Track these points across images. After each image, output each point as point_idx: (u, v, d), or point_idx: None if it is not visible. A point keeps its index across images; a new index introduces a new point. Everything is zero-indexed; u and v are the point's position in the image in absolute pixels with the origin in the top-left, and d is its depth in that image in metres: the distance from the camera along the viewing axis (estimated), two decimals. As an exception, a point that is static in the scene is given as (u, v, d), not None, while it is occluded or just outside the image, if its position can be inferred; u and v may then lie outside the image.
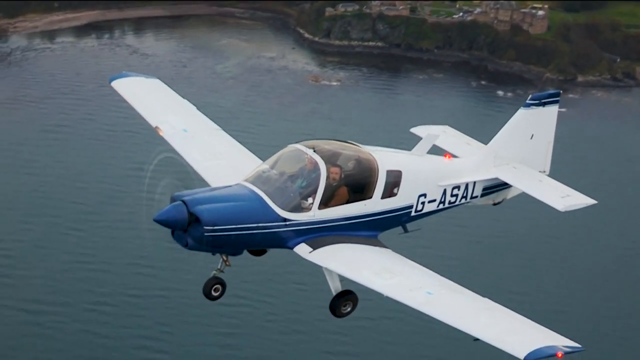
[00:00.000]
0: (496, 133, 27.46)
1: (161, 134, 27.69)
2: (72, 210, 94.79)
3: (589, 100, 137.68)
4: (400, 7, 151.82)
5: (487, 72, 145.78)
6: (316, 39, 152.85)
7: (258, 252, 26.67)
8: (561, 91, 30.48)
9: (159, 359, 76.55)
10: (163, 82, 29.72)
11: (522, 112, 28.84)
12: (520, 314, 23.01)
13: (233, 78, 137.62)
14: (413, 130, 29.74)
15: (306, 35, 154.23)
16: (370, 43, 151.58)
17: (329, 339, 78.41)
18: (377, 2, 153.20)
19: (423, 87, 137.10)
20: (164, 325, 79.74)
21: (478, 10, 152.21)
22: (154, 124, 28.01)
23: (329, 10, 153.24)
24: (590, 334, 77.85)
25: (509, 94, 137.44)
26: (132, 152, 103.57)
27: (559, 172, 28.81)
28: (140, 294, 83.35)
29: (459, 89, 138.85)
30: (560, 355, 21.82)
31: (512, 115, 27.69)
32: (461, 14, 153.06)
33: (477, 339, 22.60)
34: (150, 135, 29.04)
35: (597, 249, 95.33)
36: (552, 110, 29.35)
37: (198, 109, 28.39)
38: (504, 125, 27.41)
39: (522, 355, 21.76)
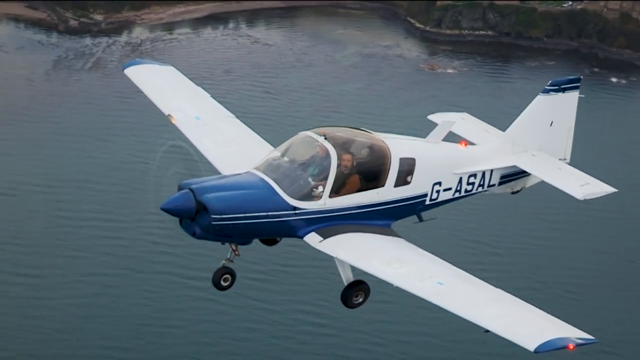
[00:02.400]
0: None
1: (173, 121, 27.07)
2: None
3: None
4: None
5: (598, 60, 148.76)
6: (427, 28, 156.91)
7: (270, 241, 26.08)
8: (582, 77, 29.43)
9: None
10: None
11: (540, 98, 27.95)
12: (535, 305, 22.36)
13: (352, 66, 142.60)
14: (430, 117, 28.98)
15: (417, 24, 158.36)
16: (481, 32, 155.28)
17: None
18: None
19: (536, 74, 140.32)
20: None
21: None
22: (166, 112, 27.48)
23: (440, 0, 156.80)
24: (605, 326, 78.16)
25: (623, 81, 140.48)
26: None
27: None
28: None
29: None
30: (571, 347, 21.01)
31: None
32: (570, 2, 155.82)
33: (487, 330, 21.76)
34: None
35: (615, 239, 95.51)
36: (573, 97, 28.29)
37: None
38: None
39: (532, 347, 20.98)
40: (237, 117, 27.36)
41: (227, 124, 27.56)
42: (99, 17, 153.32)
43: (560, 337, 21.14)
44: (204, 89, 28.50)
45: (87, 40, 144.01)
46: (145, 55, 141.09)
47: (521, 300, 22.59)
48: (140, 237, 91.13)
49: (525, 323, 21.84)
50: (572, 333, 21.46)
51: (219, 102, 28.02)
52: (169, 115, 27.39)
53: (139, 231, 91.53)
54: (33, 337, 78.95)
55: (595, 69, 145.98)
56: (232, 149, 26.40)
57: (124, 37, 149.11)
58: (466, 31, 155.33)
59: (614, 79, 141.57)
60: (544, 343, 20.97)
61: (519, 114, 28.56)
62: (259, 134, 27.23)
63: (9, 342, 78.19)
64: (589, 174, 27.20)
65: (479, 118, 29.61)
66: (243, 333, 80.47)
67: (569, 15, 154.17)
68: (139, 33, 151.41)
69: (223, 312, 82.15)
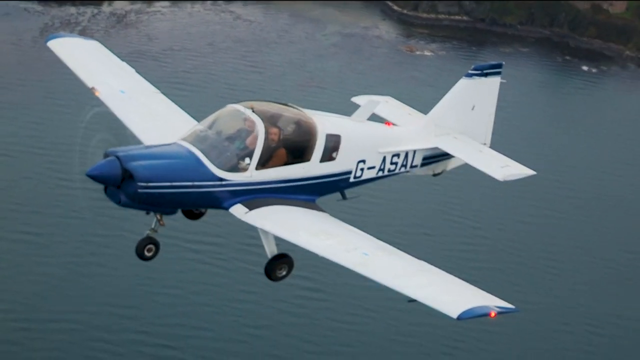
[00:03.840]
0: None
1: (97, 94, 26.93)
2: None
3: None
4: None
5: (570, 48, 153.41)
6: (404, 11, 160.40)
7: (193, 215, 26.27)
8: (504, 62, 30.10)
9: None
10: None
11: (463, 82, 28.42)
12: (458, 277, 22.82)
13: (333, 44, 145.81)
14: (354, 99, 29.36)
15: (395, 7, 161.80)
16: (457, 17, 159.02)
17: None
18: None
19: (511, 60, 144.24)
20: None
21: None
22: (90, 85, 27.36)
23: None
24: (527, 297, 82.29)
25: (594, 70, 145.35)
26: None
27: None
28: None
29: (545, 63, 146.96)
30: (493, 314, 21.44)
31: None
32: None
33: (411, 300, 22.09)
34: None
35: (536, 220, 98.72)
36: (494, 82, 28.82)
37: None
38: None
39: (455, 315, 21.33)
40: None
41: (153, 99, 27.55)
42: None
43: (481, 306, 21.53)
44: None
45: (72, 10, 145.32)
46: (129, 26, 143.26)
47: (445, 272, 22.95)
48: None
49: (448, 292, 22.21)
50: (494, 302, 21.84)
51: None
52: (92, 88, 27.21)
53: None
54: (34, 289, 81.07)
55: (567, 57, 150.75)
56: (158, 123, 26.28)
57: (108, 8, 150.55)
58: (442, 16, 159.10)
59: (584, 67, 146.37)
60: (466, 310, 21.32)
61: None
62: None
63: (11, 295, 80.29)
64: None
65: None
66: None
67: (542, 4, 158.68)
68: (123, 5, 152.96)
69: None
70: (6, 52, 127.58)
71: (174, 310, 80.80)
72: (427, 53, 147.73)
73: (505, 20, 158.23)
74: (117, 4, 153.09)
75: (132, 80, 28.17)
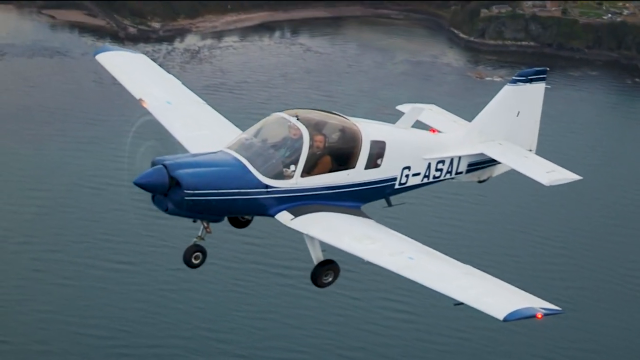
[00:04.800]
0: None
1: (145, 105, 27.04)
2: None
3: None
4: (553, 9, 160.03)
5: (638, 70, 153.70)
6: (471, 38, 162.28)
7: (240, 223, 26.26)
8: (548, 68, 29.54)
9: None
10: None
11: (508, 89, 28.19)
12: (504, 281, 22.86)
13: (403, 73, 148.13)
14: (399, 107, 29.19)
15: (461, 35, 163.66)
16: (523, 42, 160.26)
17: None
18: (529, 3, 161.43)
19: (581, 83, 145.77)
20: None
21: (627, 11, 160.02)
22: (137, 96, 27.52)
23: (484, 12, 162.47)
24: (573, 300, 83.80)
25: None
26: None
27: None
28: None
29: (615, 85, 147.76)
30: (540, 316, 21.46)
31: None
32: (609, 15, 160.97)
33: (458, 304, 22.13)
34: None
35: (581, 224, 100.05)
36: (539, 88, 28.48)
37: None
38: None
39: (501, 316, 21.42)
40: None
41: (198, 109, 27.79)
42: (156, 25, 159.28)
43: (527, 307, 21.64)
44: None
45: (148, 47, 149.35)
46: (204, 61, 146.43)
47: (489, 275, 23.01)
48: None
49: (493, 294, 22.29)
50: (538, 304, 21.93)
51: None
52: (140, 99, 27.42)
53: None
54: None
55: (637, 79, 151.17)
56: (203, 132, 26.49)
57: (181, 44, 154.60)
58: (509, 42, 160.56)
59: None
60: (512, 312, 21.44)
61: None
62: None
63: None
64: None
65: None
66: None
67: (609, 27, 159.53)
68: (196, 40, 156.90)
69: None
70: (89, 90, 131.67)
71: (269, 334, 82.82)
72: (496, 79, 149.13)
73: (572, 44, 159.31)
74: (189, 40, 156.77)
75: (178, 92, 28.40)
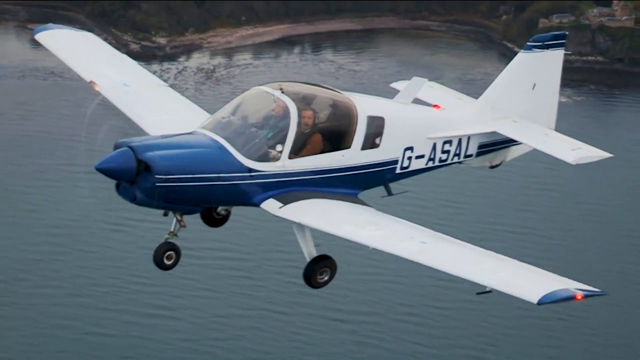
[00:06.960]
0: None
1: (97, 88, 25.62)
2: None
3: None
4: (624, 18, 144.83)
5: None
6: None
7: (215, 221, 24.67)
8: (567, 32, 27.82)
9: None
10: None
11: (522, 56, 26.34)
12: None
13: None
14: (393, 85, 27.51)
15: (516, 49, 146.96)
16: (589, 57, 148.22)
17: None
18: (595, 11, 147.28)
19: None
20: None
21: None
22: (88, 78, 25.93)
23: (543, 22, 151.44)
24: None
25: None
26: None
27: None
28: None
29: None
30: (580, 297, 20.23)
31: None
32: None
33: (481, 292, 20.82)
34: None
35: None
36: (557, 55, 26.63)
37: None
38: None
39: (535, 300, 20.27)
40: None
41: (161, 92, 26.02)
42: (162, 40, 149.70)
43: (563, 289, 20.34)
44: None
45: (154, 66, 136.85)
46: (222, 82, 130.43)
47: (512, 259, 21.65)
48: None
49: (523, 277, 20.99)
50: (574, 286, 20.57)
51: None
52: (91, 81, 25.82)
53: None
54: None
55: None
56: (168, 117, 24.79)
57: (193, 63, 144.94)
58: (573, 57, 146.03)
59: None
60: (548, 294, 20.10)
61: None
62: None
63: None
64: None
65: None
66: None
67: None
68: (209, 58, 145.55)
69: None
70: (93, 112, 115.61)
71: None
72: (563, 100, 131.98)
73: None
74: (200, 58, 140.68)
75: (135, 73, 26.45)
